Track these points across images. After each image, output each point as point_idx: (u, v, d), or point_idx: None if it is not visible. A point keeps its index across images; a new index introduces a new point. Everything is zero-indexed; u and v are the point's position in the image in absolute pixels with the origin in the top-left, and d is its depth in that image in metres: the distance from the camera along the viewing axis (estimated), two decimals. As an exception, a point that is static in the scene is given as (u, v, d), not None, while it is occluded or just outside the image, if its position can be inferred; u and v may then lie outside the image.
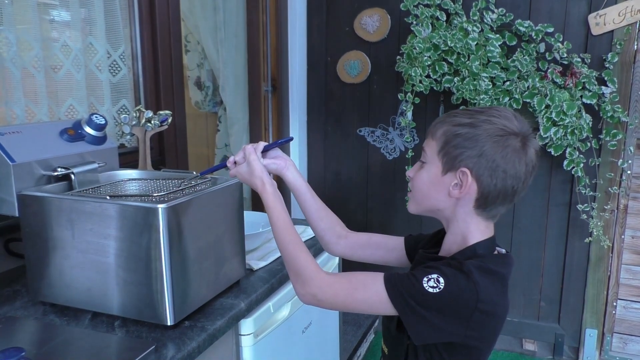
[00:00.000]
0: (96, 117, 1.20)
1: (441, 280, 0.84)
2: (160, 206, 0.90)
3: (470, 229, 0.94)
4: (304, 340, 1.34)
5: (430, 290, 0.83)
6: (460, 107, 2.39)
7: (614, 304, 2.46)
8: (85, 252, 0.97)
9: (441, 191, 0.92)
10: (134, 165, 1.65)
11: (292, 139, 1.13)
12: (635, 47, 2.22)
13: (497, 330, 0.92)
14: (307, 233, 1.49)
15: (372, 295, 0.87)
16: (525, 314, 2.63)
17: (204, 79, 2.86)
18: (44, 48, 1.49)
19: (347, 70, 2.69)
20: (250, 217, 1.48)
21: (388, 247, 1.12)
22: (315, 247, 1.41)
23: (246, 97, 2.72)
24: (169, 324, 0.94)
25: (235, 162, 1.02)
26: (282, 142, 1.02)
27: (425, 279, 0.84)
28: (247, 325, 1.08)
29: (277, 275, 1.21)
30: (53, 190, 1.04)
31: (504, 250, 0.96)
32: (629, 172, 2.31)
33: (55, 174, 1.07)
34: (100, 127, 1.19)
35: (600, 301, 2.47)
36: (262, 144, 1.04)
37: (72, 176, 1.09)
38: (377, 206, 2.79)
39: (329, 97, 2.77)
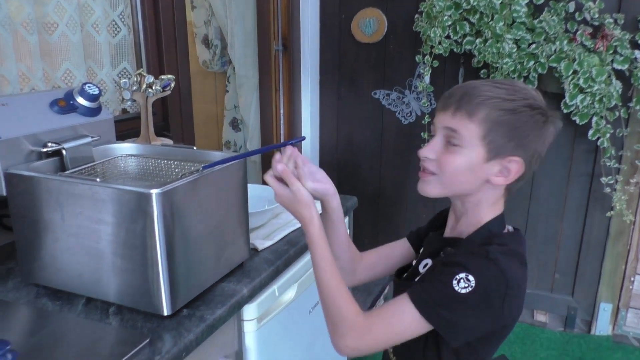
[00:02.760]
0: (89, 86, 1.12)
1: (470, 277, 0.80)
2: (154, 191, 0.82)
3: (488, 209, 0.92)
4: (311, 320, 1.30)
5: (463, 291, 0.79)
6: (482, 72, 2.26)
7: (632, 279, 2.39)
8: (76, 236, 0.91)
9: (480, 177, 0.88)
10: (136, 133, 1.57)
11: (304, 138, 1.03)
12: (674, 7, 2.05)
13: (522, 306, 0.89)
14: (317, 207, 1.41)
15: (408, 322, 0.82)
16: (538, 286, 2.58)
17: (212, 36, 2.74)
18: (36, 8, 1.39)
19: (362, 28, 2.55)
20: (255, 190, 1.41)
21: (396, 254, 1.09)
22: (324, 224, 1.34)
23: (256, 56, 2.60)
24: (165, 313, 0.88)
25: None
26: (294, 142, 0.92)
27: (454, 281, 0.80)
28: (250, 311, 1.03)
29: (283, 256, 1.14)
30: (42, 169, 0.97)
31: (511, 228, 0.95)
32: (657, 143, 2.19)
33: (45, 149, 1.00)
34: (93, 98, 1.11)
35: (618, 275, 2.40)
36: (307, 163, 0.94)
37: (63, 152, 1.01)
38: (390, 173, 2.70)
39: (343, 57, 2.64)
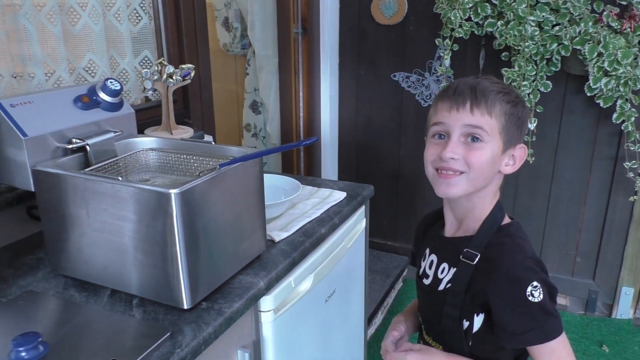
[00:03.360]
0: (111, 82, 1.14)
1: (535, 283, 0.87)
2: (173, 191, 0.85)
3: (492, 199, 0.98)
4: (327, 308, 1.33)
5: (539, 298, 0.87)
6: (503, 55, 2.22)
7: (655, 263, 2.37)
8: (101, 231, 0.95)
9: (496, 169, 0.94)
10: (157, 121, 1.61)
11: (317, 139, 1.06)
12: None
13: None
14: (334, 197, 1.44)
15: (565, 354, 0.90)
16: (559, 269, 2.57)
17: (232, 19, 2.74)
18: (59, 0, 1.41)
19: (381, 10, 2.52)
20: (273, 180, 1.44)
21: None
22: (341, 213, 1.36)
23: (275, 39, 2.60)
24: (185, 307, 0.92)
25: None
26: (308, 142, 0.94)
27: (529, 297, 0.87)
28: (267, 302, 1.06)
29: (299, 248, 1.17)
30: (68, 165, 1.01)
31: (509, 217, 1.00)
32: (685, 126, 2.13)
33: (70, 146, 1.04)
34: (115, 93, 1.14)
35: (640, 260, 2.38)
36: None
37: (88, 147, 1.05)
38: (409, 154, 2.70)
39: (362, 39, 2.62)
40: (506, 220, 0.99)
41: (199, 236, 0.92)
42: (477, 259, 0.92)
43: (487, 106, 0.90)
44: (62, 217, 0.98)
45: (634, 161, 2.12)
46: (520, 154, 0.96)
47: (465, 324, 0.94)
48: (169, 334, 0.86)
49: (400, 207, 2.79)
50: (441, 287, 0.98)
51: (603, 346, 2.30)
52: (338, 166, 2.86)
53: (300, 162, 2.74)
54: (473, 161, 0.90)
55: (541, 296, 0.87)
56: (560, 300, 2.61)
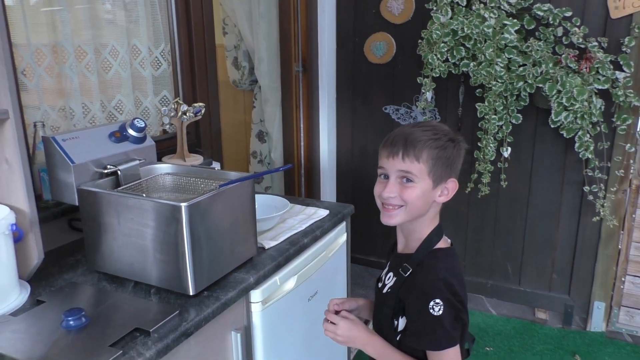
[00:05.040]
0: (137, 120, 1.46)
1: (437, 300, 1.06)
2: (183, 204, 1.15)
3: (430, 224, 1.17)
4: (310, 306, 1.60)
5: (440, 312, 1.06)
6: (477, 91, 2.52)
7: (623, 279, 2.59)
8: (129, 235, 1.24)
9: (430, 201, 1.13)
10: (173, 150, 1.91)
11: (291, 166, 1.33)
12: (655, 31, 2.25)
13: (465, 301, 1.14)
14: (318, 214, 1.72)
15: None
16: (537, 285, 2.80)
17: (241, 59, 3.08)
18: (96, 53, 1.75)
19: (373, 50, 2.84)
20: (266, 200, 1.73)
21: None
22: (322, 227, 1.64)
23: (279, 76, 2.93)
24: (191, 294, 1.21)
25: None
26: (284, 168, 1.20)
27: (431, 310, 1.05)
28: (256, 295, 1.34)
29: (284, 253, 1.45)
30: (104, 185, 1.32)
31: (448, 240, 1.19)
32: (642, 154, 2.39)
33: (106, 171, 1.35)
34: (140, 129, 1.45)
35: (609, 276, 2.60)
36: (340, 305, 1.24)
37: (119, 172, 1.36)
38: (400, 180, 2.97)
39: (357, 75, 2.94)
40: (444, 244, 1.17)
41: (202, 239, 1.21)
42: (408, 273, 1.13)
43: (415, 154, 1.08)
44: (98, 225, 1.28)
45: (594, 185, 2.37)
46: (452, 186, 1.13)
47: (395, 322, 1.15)
48: (177, 312, 1.15)
49: (393, 229, 3.04)
50: (384, 291, 1.22)
51: (575, 356, 2.51)
52: (336, 190, 3.15)
53: (301, 187, 3.04)
54: (406, 197, 1.10)
55: (441, 312, 1.05)
56: (540, 314, 2.83)
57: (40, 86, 1.59)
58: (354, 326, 1.17)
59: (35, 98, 1.58)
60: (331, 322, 1.18)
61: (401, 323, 1.14)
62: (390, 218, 1.13)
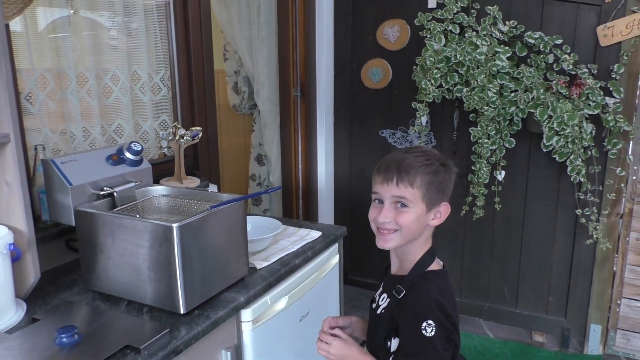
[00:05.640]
0: (134, 144, 1.51)
1: (430, 321, 1.08)
2: (175, 225, 1.19)
3: (423, 246, 1.20)
4: (301, 327, 1.62)
5: (432, 333, 1.08)
6: (471, 116, 2.57)
7: (618, 302, 2.59)
8: (123, 255, 1.28)
9: (423, 224, 1.16)
10: (171, 173, 1.96)
11: (280, 188, 1.38)
12: (643, 58, 2.31)
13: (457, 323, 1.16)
14: (311, 235, 1.76)
15: None
16: (534, 308, 2.80)
17: (241, 84, 3.16)
18: (97, 79, 1.81)
19: (370, 76, 2.91)
20: (261, 221, 1.77)
21: None
22: (314, 248, 1.68)
23: (278, 100, 3.00)
24: (182, 312, 1.24)
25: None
26: (272, 190, 1.26)
27: (423, 331, 1.08)
28: (246, 314, 1.37)
29: (276, 274, 1.48)
30: (100, 207, 1.36)
31: (440, 262, 1.22)
32: (634, 177, 2.42)
33: (102, 192, 1.39)
34: (137, 153, 1.50)
35: (605, 299, 2.60)
36: (333, 324, 1.26)
37: (115, 194, 1.40)
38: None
39: (354, 100, 3.00)
40: (437, 266, 1.20)
41: (194, 259, 1.25)
42: (402, 294, 1.15)
43: (409, 180, 1.12)
44: (94, 244, 1.32)
45: (586, 208, 2.40)
46: (444, 209, 1.17)
47: (388, 343, 1.19)
48: (168, 329, 1.18)
49: (389, 251, 3.07)
50: (378, 312, 1.24)
51: (573, 379, 2.51)
52: (334, 212, 3.18)
53: (299, 209, 3.08)
54: (401, 222, 1.13)
55: (433, 333, 1.07)
56: (538, 337, 2.82)
57: (42, 110, 1.65)
58: (346, 345, 1.19)
59: (37, 122, 1.64)
60: (325, 342, 1.20)
61: (394, 344, 1.16)
62: (386, 242, 1.16)
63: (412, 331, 1.10)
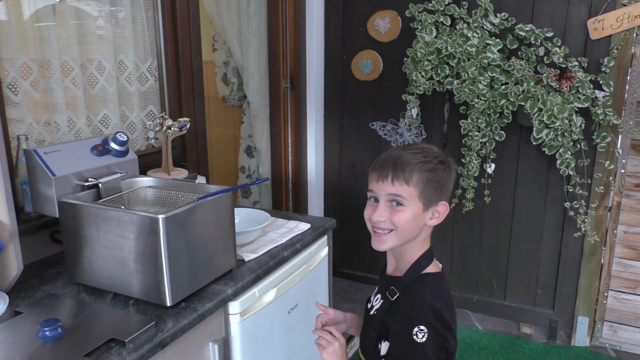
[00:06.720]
0: (120, 134, 1.48)
1: (422, 327, 1.04)
2: (161, 216, 1.17)
3: (420, 247, 1.16)
4: (290, 319, 1.61)
5: (423, 340, 1.03)
6: (461, 109, 2.56)
7: (605, 294, 2.61)
8: (107, 247, 1.26)
9: (421, 224, 1.12)
10: (159, 164, 1.93)
11: (267, 179, 1.36)
12: (632, 51, 2.31)
13: (454, 329, 1.13)
14: (300, 227, 1.74)
15: None
16: (522, 300, 2.82)
17: (230, 75, 3.13)
18: (82, 69, 1.78)
19: (360, 68, 2.89)
20: (250, 214, 1.75)
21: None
22: (303, 241, 1.66)
23: (267, 92, 2.97)
24: (168, 304, 1.22)
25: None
26: (259, 182, 1.24)
27: (414, 337, 1.03)
28: (234, 307, 1.36)
29: (264, 266, 1.47)
30: (84, 198, 1.33)
31: (439, 264, 1.18)
32: (622, 171, 2.43)
33: (87, 183, 1.37)
34: (123, 143, 1.48)
35: (592, 291, 2.62)
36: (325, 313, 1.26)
37: (100, 185, 1.38)
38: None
39: (344, 93, 2.98)
40: (434, 269, 1.15)
41: (180, 251, 1.23)
42: (395, 297, 1.12)
43: (405, 177, 1.07)
44: (78, 236, 1.30)
45: (575, 201, 2.41)
46: (443, 209, 1.12)
47: (379, 346, 1.12)
48: (154, 322, 1.16)
49: (379, 243, 3.07)
50: (371, 312, 1.21)
51: (560, 370, 2.53)
52: (324, 205, 3.17)
53: (288, 202, 3.06)
54: (397, 221, 1.09)
55: (424, 339, 1.02)
56: (526, 329, 2.84)
57: (25, 100, 1.61)
58: (342, 350, 1.16)
59: (20, 112, 1.60)
60: (322, 337, 1.18)
61: (384, 347, 1.11)
62: (382, 243, 1.12)
63: (403, 336, 1.05)
